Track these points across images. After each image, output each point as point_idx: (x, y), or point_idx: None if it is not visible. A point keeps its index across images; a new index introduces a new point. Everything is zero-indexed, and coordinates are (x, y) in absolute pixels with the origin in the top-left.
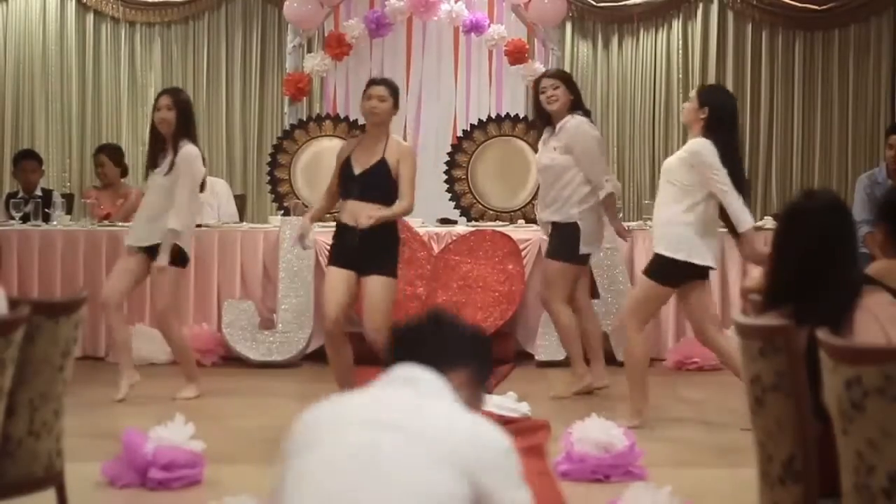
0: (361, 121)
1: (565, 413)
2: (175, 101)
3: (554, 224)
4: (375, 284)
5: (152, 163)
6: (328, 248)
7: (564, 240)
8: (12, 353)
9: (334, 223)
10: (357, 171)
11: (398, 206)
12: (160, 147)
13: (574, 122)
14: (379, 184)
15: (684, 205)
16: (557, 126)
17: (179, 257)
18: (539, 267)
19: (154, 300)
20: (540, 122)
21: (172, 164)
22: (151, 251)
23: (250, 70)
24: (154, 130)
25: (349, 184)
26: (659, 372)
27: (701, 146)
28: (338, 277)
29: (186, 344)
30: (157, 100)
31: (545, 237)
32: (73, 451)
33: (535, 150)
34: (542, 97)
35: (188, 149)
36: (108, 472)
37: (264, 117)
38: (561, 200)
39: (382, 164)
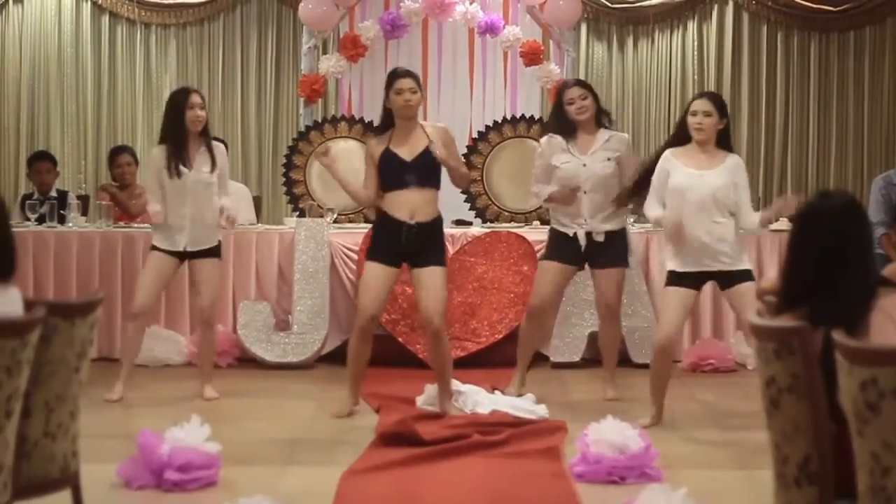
0: (377, 122)
1: (581, 415)
2: (204, 100)
3: (608, 233)
4: (434, 275)
5: (181, 162)
6: (345, 249)
7: (623, 245)
8: (28, 354)
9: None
10: (408, 158)
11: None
12: (186, 146)
13: (620, 133)
14: (432, 169)
15: (732, 221)
16: (607, 135)
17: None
18: None
19: (203, 296)
20: (560, 131)
21: (213, 161)
22: (185, 255)
23: (265, 71)
24: (180, 129)
25: (402, 172)
26: (674, 373)
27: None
28: (379, 274)
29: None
30: (187, 98)
31: (580, 241)
32: (89, 452)
33: None
34: (572, 108)
35: (221, 146)
36: (124, 473)
37: (279, 119)
38: (611, 208)
39: (427, 152)
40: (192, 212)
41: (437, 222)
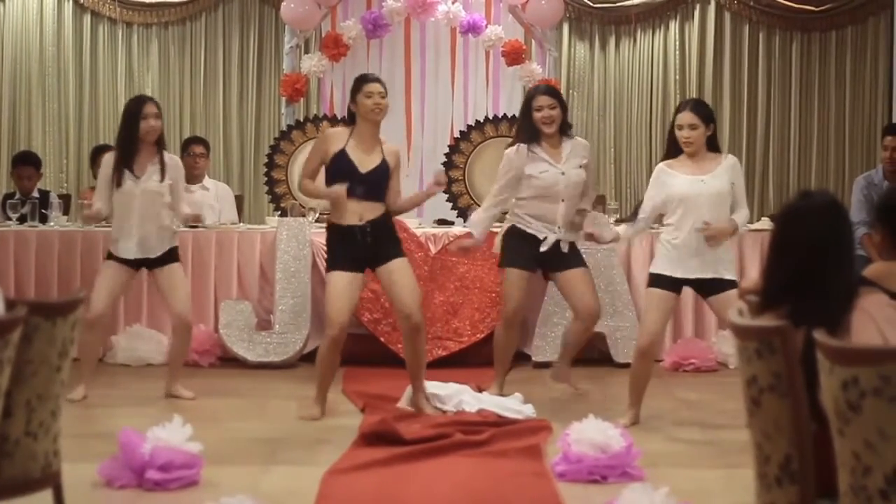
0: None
1: (563, 414)
2: (159, 109)
3: (570, 243)
4: (401, 266)
5: (128, 169)
6: (324, 246)
7: (579, 253)
8: (9, 353)
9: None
10: (362, 170)
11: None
12: (136, 154)
13: (580, 139)
14: (381, 184)
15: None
16: (570, 143)
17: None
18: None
19: (177, 302)
20: (526, 135)
21: (164, 171)
22: (141, 263)
23: (247, 71)
24: (132, 137)
25: (353, 182)
26: (656, 373)
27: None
28: (344, 283)
29: None
30: (141, 107)
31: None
32: (70, 451)
33: None
34: (538, 115)
35: (175, 158)
36: (105, 472)
37: (261, 118)
38: (577, 218)
39: (384, 166)
40: (141, 220)
41: (385, 217)
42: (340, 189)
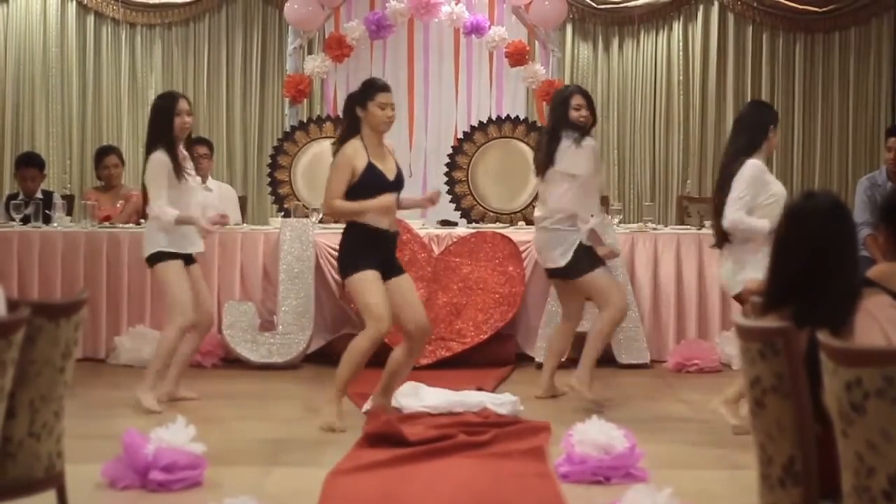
0: None
1: (566, 415)
2: (191, 105)
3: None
4: (410, 281)
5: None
6: (330, 249)
7: None
8: (13, 354)
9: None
10: (391, 177)
11: None
12: (177, 150)
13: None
14: (402, 189)
15: None
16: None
17: None
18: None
19: (208, 300)
20: (579, 132)
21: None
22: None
23: (251, 72)
24: (172, 135)
25: (385, 190)
26: (660, 374)
27: None
28: (379, 280)
29: None
30: (175, 104)
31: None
32: (74, 452)
33: (534, 152)
34: (576, 114)
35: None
36: (109, 473)
37: (265, 119)
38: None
39: (400, 170)
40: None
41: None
42: (390, 198)
